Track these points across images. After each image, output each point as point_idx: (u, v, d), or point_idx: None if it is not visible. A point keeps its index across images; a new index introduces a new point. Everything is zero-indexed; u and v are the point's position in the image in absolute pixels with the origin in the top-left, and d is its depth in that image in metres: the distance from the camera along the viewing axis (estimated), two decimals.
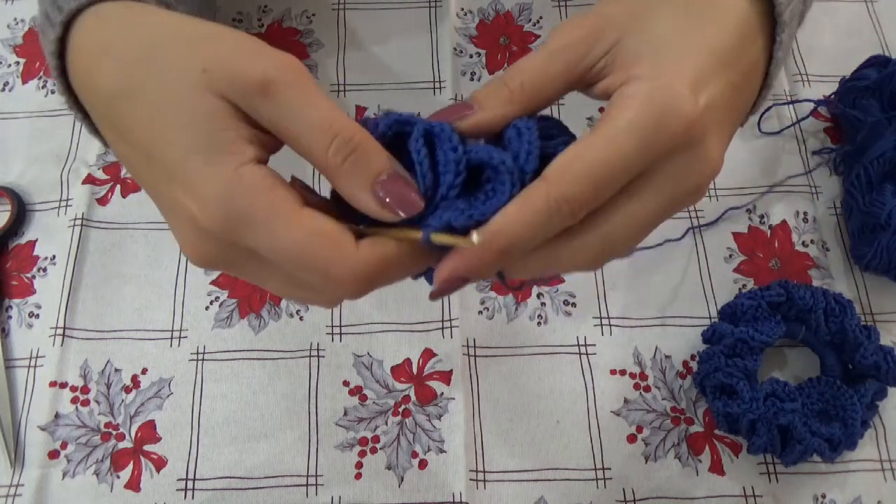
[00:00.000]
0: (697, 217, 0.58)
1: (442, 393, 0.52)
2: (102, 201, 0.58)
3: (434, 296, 0.32)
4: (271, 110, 0.30)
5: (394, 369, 0.53)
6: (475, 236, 0.29)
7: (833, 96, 0.61)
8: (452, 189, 0.31)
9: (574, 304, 0.55)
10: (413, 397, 0.52)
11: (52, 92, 0.63)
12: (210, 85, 0.30)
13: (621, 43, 0.32)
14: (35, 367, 0.53)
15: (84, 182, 0.59)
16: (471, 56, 0.64)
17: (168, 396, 0.52)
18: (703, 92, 0.31)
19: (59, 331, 0.53)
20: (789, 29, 0.35)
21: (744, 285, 0.55)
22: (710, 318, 0.54)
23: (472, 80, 0.63)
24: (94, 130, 0.38)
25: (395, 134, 0.32)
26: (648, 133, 0.30)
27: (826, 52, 0.65)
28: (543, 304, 0.55)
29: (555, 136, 0.33)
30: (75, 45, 0.35)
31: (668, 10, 0.33)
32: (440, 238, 0.30)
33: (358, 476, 0.50)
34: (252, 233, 0.29)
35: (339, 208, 0.32)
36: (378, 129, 0.31)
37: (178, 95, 0.30)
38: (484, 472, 0.50)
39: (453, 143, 0.31)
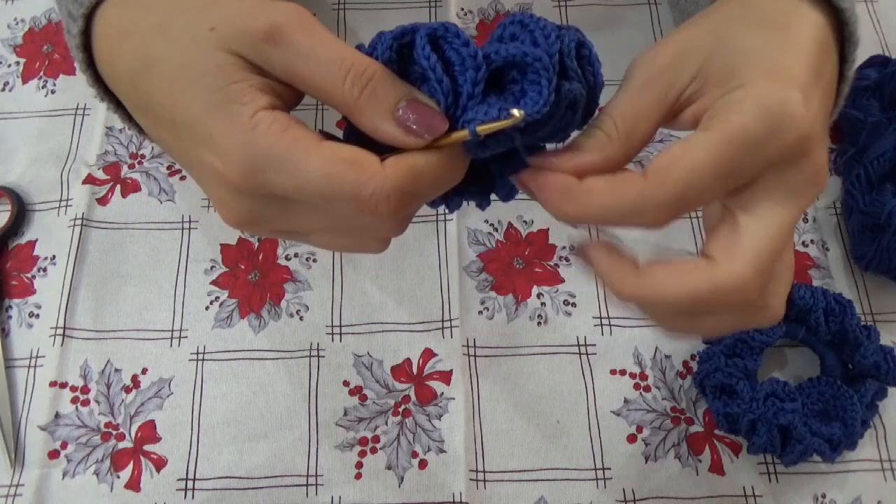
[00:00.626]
0: (698, 217, 0.58)
1: (442, 393, 0.52)
2: (102, 201, 0.58)
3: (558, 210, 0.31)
4: (282, 56, 0.30)
5: (394, 369, 0.53)
6: (517, 112, 0.28)
7: None
8: (477, 85, 0.29)
9: (574, 304, 0.55)
10: (413, 397, 0.52)
11: (52, 92, 0.63)
12: (219, 42, 0.30)
13: (708, 63, 0.31)
14: (35, 367, 0.53)
15: (84, 182, 0.59)
16: None
17: (168, 396, 0.52)
18: (811, 99, 0.30)
19: (59, 331, 0.53)
20: (857, 41, 0.35)
21: None
22: None
23: None
24: (128, 118, 0.39)
25: (399, 54, 0.31)
26: (761, 138, 0.28)
27: None
28: (543, 304, 0.55)
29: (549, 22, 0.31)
30: (98, 35, 0.36)
31: (748, 25, 0.32)
32: (486, 128, 0.29)
33: (358, 476, 0.50)
34: (276, 174, 0.29)
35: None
36: (378, 54, 0.30)
37: (190, 57, 0.31)
38: (484, 472, 0.50)
39: (463, 38, 0.29)
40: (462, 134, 0.29)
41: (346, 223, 0.31)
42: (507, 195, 0.34)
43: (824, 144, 0.31)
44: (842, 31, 0.35)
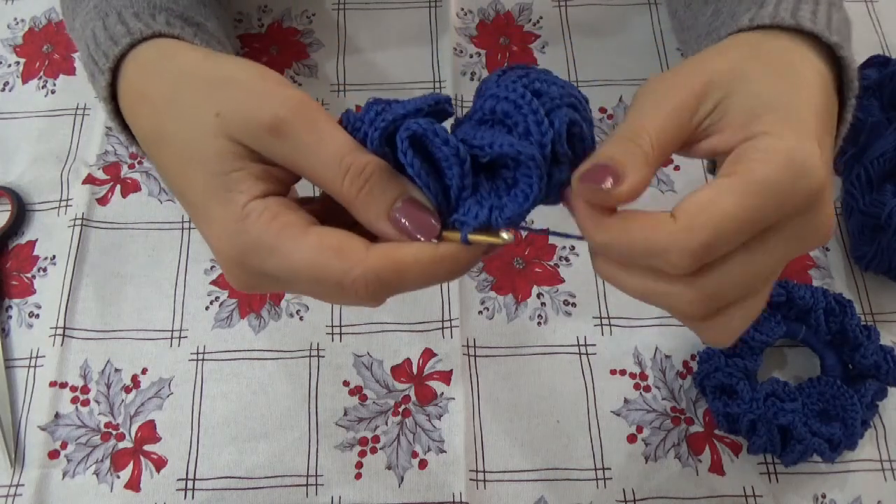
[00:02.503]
0: None
1: (442, 393, 0.52)
2: (102, 201, 0.58)
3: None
4: (283, 149, 0.31)
5: (394, 369, 0.53)
6: (505, 235, 0.30)
7: None
8: (465, 178, 0.30)
9: (574, 304, 0.55)
10: (413, 397, 0.52)
11: (52, 92, 0.63)
12: (222, 128, 0.32)
13: (727, 102, 0.32)
14: (35, 367, 0.53)
15: (84, 182, 0.59)
16: (471, 56, 0.64)
17: (168, 396, 0.52)
18: (824, 151, 0.31)
19: (59, 331, 0.53)
20: (854, 81, 0.36)
21: None
22: None
23: (472, 79, 0.63)
24: None
25: (391, 147, 0.31)
26: (785, 190, 0.29)
27: None
28: (543, 304, 0.55)
29: (544, 93, 0.31)
30: (122, 91, 0.38)
31: (765, 70, 0.33)
32: (478, 239, 0.30)
33: (358, 476, 0.50)
34: (265, 260, 0.31)
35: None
36: (369, 144, 0.31)
37: (194, 140, 0.32)
38: (484, 472, 0.50)
39: (442, 137, 0.30)
40: (454, 236, 0.30)
41: (338, 297, 0.32)
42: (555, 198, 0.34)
43: (832, 197, 0.32)
44: (841, 77, 0.36)
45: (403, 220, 0.30)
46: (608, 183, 0.29)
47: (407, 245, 0.30)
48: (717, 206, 0.29)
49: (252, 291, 0.34)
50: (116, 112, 0.39)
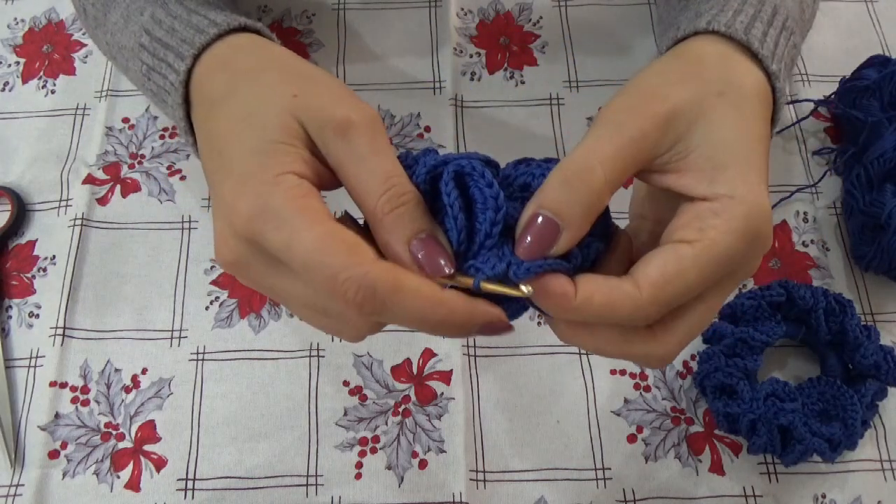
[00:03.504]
0: None
1: (442, 393, 0.52)
2: (102, 201, 0.58)
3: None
4: (341, 150, 0.32)
5: (394, 369, 0.53)
6: (525, 289, 0.30)
7: (833, 96, 0.61)
8: (496, 226, 0.31)
9: None
10: (413, 397, 0.52)
11: (53, 92, 0.63)
12: (295, 108, 0.33)
13: (689, 141, 0.33)
14: (35, 367, 0.53)
15: (84, 182, 0.59)
16: (471, 56, 0.64)
17: (168, 396, 0.52)
18: (766, 187, 0.33)
19: (59, 331, 0.53)
20: (783, 107, 0.39)
21: (744, 285, 0.55)
22: None
23: (472, 79, 0.63)
24: (193, 144, 0.42)
25: (432, 184, 0.32)
26: (743, 256, 0.32)
27: (826, 52, 0.65)
28: None
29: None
30: (200, 63, 0.39)
31: (723, 111, 0.34)
32: (489, 287, 0.30)
33: (358, 476, 0.50)
34: (274, 230, 0.30)
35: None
36: (415, 178, 0.32)
37: (264, 106, 0.33)
38: (484, 472, 0.50)
39: (487, 180, 0.31)
40: (466, 280, 0.31)
41: (321, 303, 0.31)
42: (515, 313, 0.34)
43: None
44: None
45: (420, 253, 0.31)
46: (551, 245, 0.31)
47: (415, 275, 0.30)
48: (682, 279, 0.31)
49: (235, 270, 0.33)
50: (186, 98, 0.40)
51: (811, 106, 0.61)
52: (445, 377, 0.52)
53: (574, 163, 0.31)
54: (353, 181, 0.32)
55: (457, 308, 0.30)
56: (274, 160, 0.31)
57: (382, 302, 0.29)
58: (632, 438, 0.51)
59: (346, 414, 0.51)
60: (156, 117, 0.62)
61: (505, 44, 0.65)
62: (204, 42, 0.39)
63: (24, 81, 0.64)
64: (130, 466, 0.50)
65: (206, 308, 0.55)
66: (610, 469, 0.50)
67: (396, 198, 0.31)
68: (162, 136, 0.61)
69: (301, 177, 0.32)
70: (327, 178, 0.33)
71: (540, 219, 0.30)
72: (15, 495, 0.49)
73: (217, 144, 0.35)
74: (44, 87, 0.64)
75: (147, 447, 0.50)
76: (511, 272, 0.30)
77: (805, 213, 0.58)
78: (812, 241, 0.57)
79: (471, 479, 0.49)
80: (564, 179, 0.31)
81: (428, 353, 0.53)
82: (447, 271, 0.31)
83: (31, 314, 0.55)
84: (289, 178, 0.31)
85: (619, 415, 0.51)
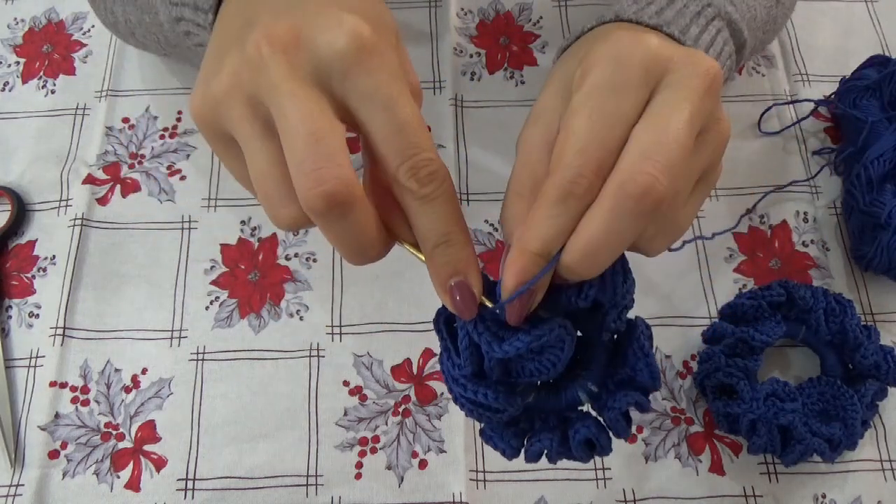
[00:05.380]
0: (698, 217, 0.58)
1: (442, 393, 0.52)
2: (102, 201, 0.58)
3: (512, 319, 0.32)
4: (385, 59, 0.30)
5: (394, 369, 0.53)
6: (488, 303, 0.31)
7: (833, 96, 0.61)
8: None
9: None
10: (413, 397, 0.52)
11: (52, 92, 0.63)
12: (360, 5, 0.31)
13: (565, 90, 0.32)
14: (35, 367, 0.53)
15: (84, 182, 0.59)
16: (471, 56, 0.64)
17: (168, 396, 0.52)
18: (646, 35, 0.32)
19: (59, 331, 0.53)
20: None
21: (744, 285, 0.55)
22: (710, 318, 0.54)
23: (472, 79, 0.63)
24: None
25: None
26: (613, 78, 0.30)
27: (826, 52, 0.65)
28: None
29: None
30: None
31: (589, 43, 0.34)
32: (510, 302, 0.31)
33: (358, 476, 0.50)
34: (368, 77, 0.29)
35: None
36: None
37: None
38: (484, 472, 0.50)
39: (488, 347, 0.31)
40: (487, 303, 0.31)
41: (296, 161, 0.29)
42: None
43: (685, 49, 0.32)
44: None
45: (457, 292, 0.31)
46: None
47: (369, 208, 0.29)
48: (571, 132, 0.29)
49: (205, 116, 0.31)
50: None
51: (811, 106, 0.61)
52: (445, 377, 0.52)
53: (514, 183, 0.33)
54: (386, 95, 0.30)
55: (376, 240, 0.30)
56: (311, 15, 0.29)
57: (340, 214, 0.28)
58: (632, 438, 0.51)
59: (346, 414, 0.51)
60: (156, 117, 0.62)
61: (505, 44, 0.65)
62: None
63: (24, 81, 0.64)
64: (130, 466, 0.50)
65: (206, 308, 0.55)
66: (610, 469, 0.50)
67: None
68: (162, 136, 0.61)
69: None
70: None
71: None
72: (15, 495, 0.49)
73: (251, 12, 0.32)
74: (44, 87, 0.64)
75: (147, 447, 0.50)
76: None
77: (805, 213, 0.58)
78: (812, 241, 0.57)
79: (471, 479, 0.49)
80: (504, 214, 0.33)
81: (428, 353, 0.53)
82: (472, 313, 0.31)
83: (31, 314, 0.55)
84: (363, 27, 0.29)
85: None
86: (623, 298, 0.33)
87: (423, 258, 0.31)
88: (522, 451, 0.34)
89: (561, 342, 0.31)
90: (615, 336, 0.34)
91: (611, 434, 0.34)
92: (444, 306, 0.32)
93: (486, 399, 0.31)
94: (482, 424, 0.34)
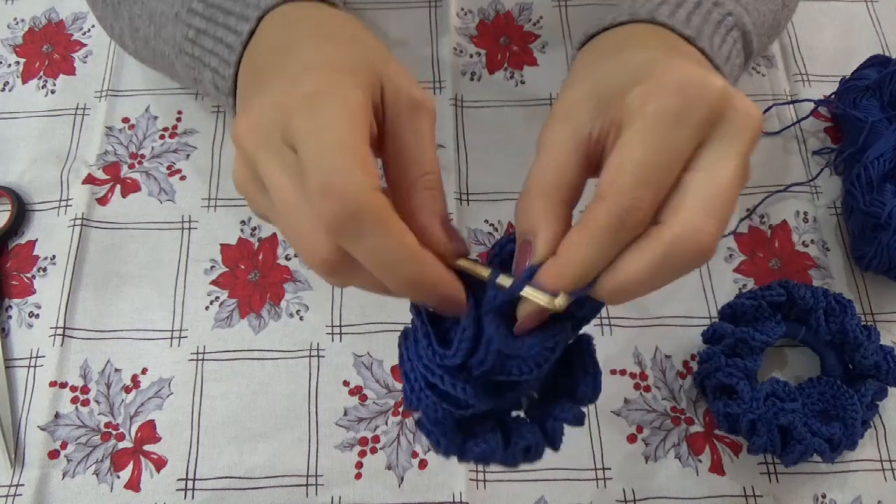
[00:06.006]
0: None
1: None
2: (102, 201, 0.58)
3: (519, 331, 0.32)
4: (408, 123, 0.32)
5: (394, 369, 0.53)
6: (552, 299, 0.30)
7: (833, 96, 0.61)
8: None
9: None
10: None
11: (52, 92, 0.63)
12: (376, 65, 0.32)
13: (599, 102, 0.32)
14: (35, 367, 0.53)
15: (84, 182, 0.59)
16: (471, 56, 0.64)
17: (168, 396, 0.52)
18: (696, 63, 0.32)
19: (59, 331, 0.53)
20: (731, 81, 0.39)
21: (744, 285, 0.55)
22: (710, 318, 0.54)
23: (472, 79, 0.63)
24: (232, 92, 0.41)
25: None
26: (683, 110, 0.29)
27: (826, 52, 0.65)
28: None
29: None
30: (261, 26, 0.39)
31: (609, 56, 0.34)
32: (504, 280, 0.31)
33: (358, 476, 0.50)
34: (305, 118, 0.29)
35: None
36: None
37: (346, 54, 0.33)
38: (484, 472, 0.50)
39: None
40: (481, 270, 0.31)
41: (300, 208, 0.29)
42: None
43: (739, 93, 0.31)
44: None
45: (448, 229, 0.32)
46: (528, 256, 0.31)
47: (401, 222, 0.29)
48: (627, 160, 0.29)
49: (250, 142, 0.31)
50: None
51: (811, 106, 0.61)
52: None
53: (532, 181, 0.32)
54: (407, 152, 0.32)
55: (429, 263, 0.30)
56: (345, 76, 0.31)
57: (362, 225, 0.28)
58: (632, 438, 0.51)
59: (346, 414, 0.51)
60: (156, 117, 0.62)
61: (505, 44, 0.65)
62: (270, 3, 0.39)
63: (24, 81, 0.64)
64: (130, 466, 0.50)
65: (206, 308, 0.55)
66: (610, 469, 0.50)
67: (437, 181, 0.32)
68: (162, 136, 0.61)
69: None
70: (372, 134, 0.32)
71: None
72: (15, 495, 0.49)
73: (284, 47, 0.34)
74: (44, 86, 0.64)
75: (147, 447, 0.50)
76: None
77: (805, 213, 0.58)
78: (812, 241, 0.57)
79: (471, 479, 0.49)
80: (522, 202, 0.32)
81: None
82: (466, 249, 0.32)
83: (31, 314, 0.55)
84: (355, 94, 0.30)
85: (619, 415, 0.51)
86: (593, 315, 0.33)
87: (485, 274, 0.31)
88: (459, 450, 0.33)
89: (557, 346, 0.31)
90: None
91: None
92: None
93: (463, 394, 0.31)
94: (420, 417, 0.33)
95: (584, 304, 0.32)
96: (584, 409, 0.34)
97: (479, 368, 0.30)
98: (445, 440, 0.32)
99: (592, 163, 0.32)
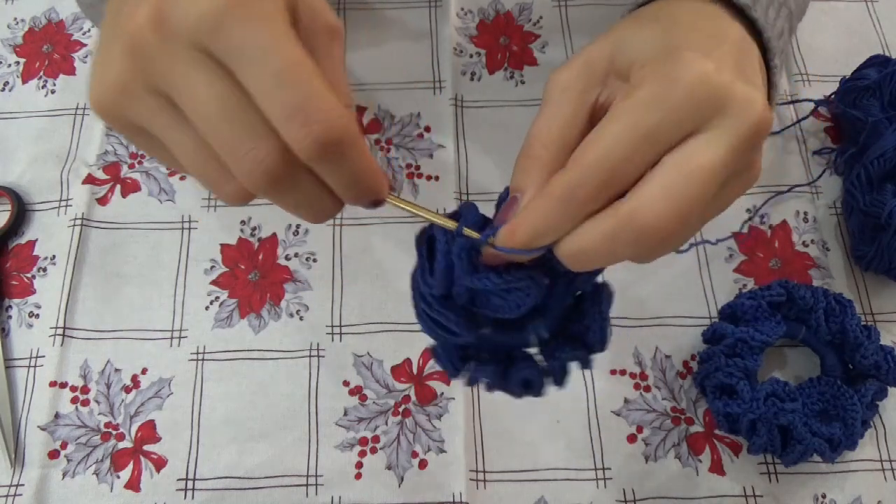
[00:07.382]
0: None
1: (442, 393, 0.52)
2: (102, 201, 0.58)
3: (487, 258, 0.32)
4: (323, 48, 0.30)
5: (394, 369, 0.53)
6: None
7: (833, 96, 0.61)
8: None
9: None
10: (413, 397, 0.52)
11: (53, 92, 0.63)
12: None
13: (612, 66, 0.32)
14: (35, 367, 0.53)
15: (84, 182, 0.59)
16: (471, 56, 0.64)
17: (168, 396, 0.52)
18: (713, 53, 0.31)
19: (59, 331, 0.53)
20: (780, 57, 0.37)
21: (744, 285, 0.55)
22: (710, 318, 0.54)
23: (472, 79, 0.63)
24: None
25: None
26: (665, 101, 0.29)
27: (826, 52, 0.65)
28: None
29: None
30: None
31: (640, 25, 0.33)
32: (470, 231, 0.32)
33: (358, 476, 0.50)
34: (242, 28, 0.26)
35: None
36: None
37: None
38: (484, 472, 0.50)
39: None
40: (451, 224, 0.32)
41: (230, 137, 0.27)
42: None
43: (749, 88, 0.30)
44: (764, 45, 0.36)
45: None
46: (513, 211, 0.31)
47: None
48: (601, 135, 0.29)
49: (114, 111, 0.29)
50: None
51: (811, 106, 0.61)
52: (445, 377, 0.52)
53: (526, 143, 0.33)
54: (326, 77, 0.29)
55: (381, 174, 0.30)
56: None
57: (342, 147, 0.27)
58: (632, 438, 0.51)
59: (346, 414, 0.51)
60: None
61: (505, 44, 0.65)
62: None
63: (24, 81, 0.64)
64: (130, 466, 0.50)
65: (206, 308, 0.55)
66: (610, 469, 0.50)
67: (353, 113, 0.30)
68: None
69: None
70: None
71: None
72: (15, 495, 0.49)
73: None
74: (44, 86, 0.64)
75: (147, 447, 0.50)
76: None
77: (805, 213, 0.58)
78: (812, 241, 0.57)
79: (471, 479, 0.49)
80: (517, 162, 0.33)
81: (428, 354, 0.53)
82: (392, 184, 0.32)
83: (31, 314, 0.55)
84: (280, 5, 0.28)
85: (619, 415, 0.51)
86: (600, 269, 0.34)
87: (415, 210, 0.32)
88: (462, 373, 0.36)
89: (528, 289, 0.32)
90: (578, 293, 0.35)
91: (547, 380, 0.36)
92: (430, 226, 0.33)
93: (447, 321, 0.33)
94: (434, 345, 0.36)
95: (551, 254, 0.33)
96: (591, 357, 0.35)
97: (459, 300, 0.33)
98: (447, 362, 0.36)
99: (593, 124, 0.32)
